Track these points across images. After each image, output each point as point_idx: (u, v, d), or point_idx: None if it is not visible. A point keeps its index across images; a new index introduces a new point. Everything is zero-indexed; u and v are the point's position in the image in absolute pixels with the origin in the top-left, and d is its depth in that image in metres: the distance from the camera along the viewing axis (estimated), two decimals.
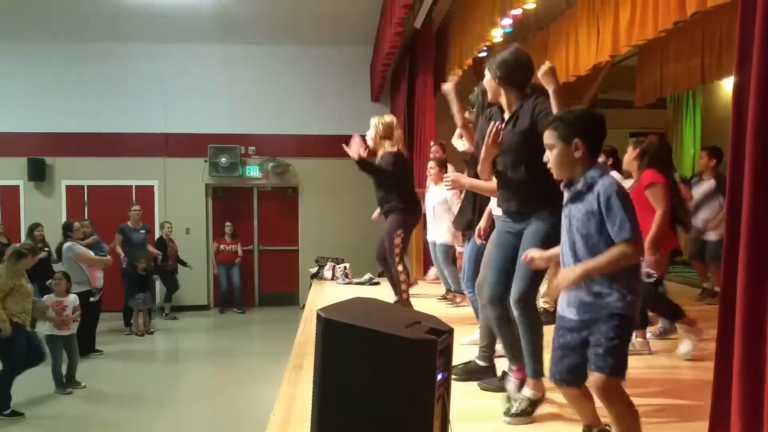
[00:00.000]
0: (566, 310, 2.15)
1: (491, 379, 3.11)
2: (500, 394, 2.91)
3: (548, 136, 2.17)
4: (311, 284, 7.57)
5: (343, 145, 4.69)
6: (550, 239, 2.59)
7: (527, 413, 2.63)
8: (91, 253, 7.32)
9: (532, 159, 2.56)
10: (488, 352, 3.25)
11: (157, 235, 9.73)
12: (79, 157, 10.16)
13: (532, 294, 2.68)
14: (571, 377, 2.14)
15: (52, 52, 9.99)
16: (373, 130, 4.82)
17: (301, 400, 2.85)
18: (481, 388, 3.08)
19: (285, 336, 5.89)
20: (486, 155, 2.74)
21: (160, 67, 10.21)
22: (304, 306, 7.20)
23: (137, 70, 10.17)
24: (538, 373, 2.67)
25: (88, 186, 10.34)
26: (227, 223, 10.30)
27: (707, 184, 5.65)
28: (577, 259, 2.09)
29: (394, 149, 4.74)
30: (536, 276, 2.65)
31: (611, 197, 2.00)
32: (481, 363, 3.23)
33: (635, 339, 3.76)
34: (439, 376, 1.99)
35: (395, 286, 4.86)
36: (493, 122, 2.76)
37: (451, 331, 2.12)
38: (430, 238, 5.86)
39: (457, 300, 5.59)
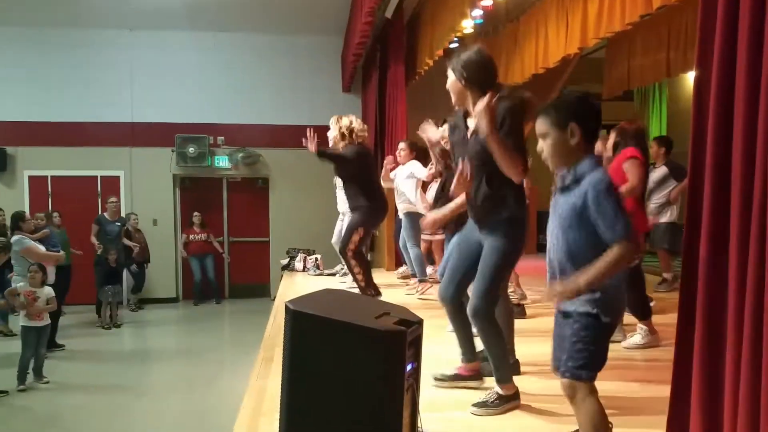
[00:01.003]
0: None
1: (444, 371, 3.04)
2: (470, 383, 2.93)
3: (540, 124, 2.01)
4: (282, 276, 7.53)
5: (303, 140, 4.73)
6: (508, 256, 2.62)
7: (494, 406, 2.63)
8: (41, 248, 6.85)
9: (494, 168, 2.54)
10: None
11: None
12: (42, 147, 9.88)
13: (488, 306, 2.63)
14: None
15: (13, 38, 9.66)
16: (334, 129, 4.92)
17: (271, 392, 2.84)
18: (434, 378, 3.02)
19: (256, 328, 5.85)
20: (456, 193, 2.76)
21: (126, 54, 9.97)
22: (275, 298, 7.16)
23: (102, 57, 9.91)
24: (504, 380, 2.68)
25: (51, 176, 10.07)
26: (195, 213, 10.15)
27: (659, 171, 5.82)
28: (557, 250, 2.00)
29: (356, 142, 4.82)
30: (492, 289, 2.63)
31: (600, 195, 1.87)
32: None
33: (639, 326, 3.73)
34: (409, 367, 2.00)
35: (354, 280, 4.92)
36: (460, 162, 2.68)
37: (420, 322, 2.13)
38: (400, 214, 5.92)
39: (418, 288, 5.53)
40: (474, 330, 2.83)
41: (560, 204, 2.00)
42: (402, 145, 5.88)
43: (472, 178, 2.68)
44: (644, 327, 3.73)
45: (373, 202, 4.83)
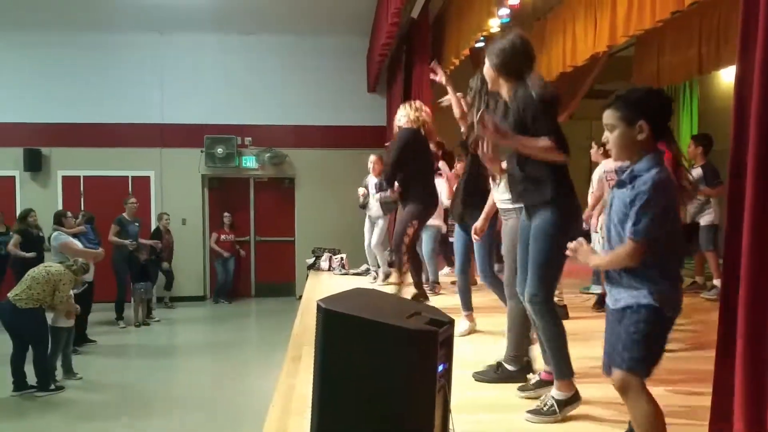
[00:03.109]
0: (608, 298, 2.08)
1: (486, 370, 3.07)
2: (501, 385, 2.90)
3: (609, 116, 2.00)
4: (308, 275, 7.57)
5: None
6: (552, 238, 2.49)
7: (549, 413, 2.51)
8: (78, 244, 7.15)
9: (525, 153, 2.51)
10: (517, 355, 3.04)
11: (154, 226, 9.71)
12: (75, 148, 10.11)
13: (544, 294, 2.54)
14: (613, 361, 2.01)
15: (48, 42, 9.89)
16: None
17: (299, 391, 2.85)
18: (475, 380, 3.04)
19: (282, 327, 5.89)
20: (489, 142, 2.64)
21: (156, 57, 10.15)
22: (300, 297, 7.20)
23: (133, 60, 10.11)
24: (562, 375, 2.56)
25: (84, 176, 10.29)
26: (226, 214, 10.30)
27: (695, 172, 5.62)
28: (612, 243, 2.03)
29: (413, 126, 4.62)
30: (548, 274, 2.54)
31: (639, 195, 1.90)
32: (510, 367, 3.03)
33: None
34: (441, 368, 1.99)
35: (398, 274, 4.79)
36: (482, 111, 2.69)
37: (451, 322, 2.12)
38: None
39: (436, 290, 5.62)
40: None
41: (615, 198, 2.02)
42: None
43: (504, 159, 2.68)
44: None
45: (424, 193, 4.71)
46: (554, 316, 2.59)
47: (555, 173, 2.52)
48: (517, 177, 2.64)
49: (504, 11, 5.72)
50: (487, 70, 2.69)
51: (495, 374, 3.04)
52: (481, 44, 7.22)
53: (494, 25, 6.00)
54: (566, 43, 6.20)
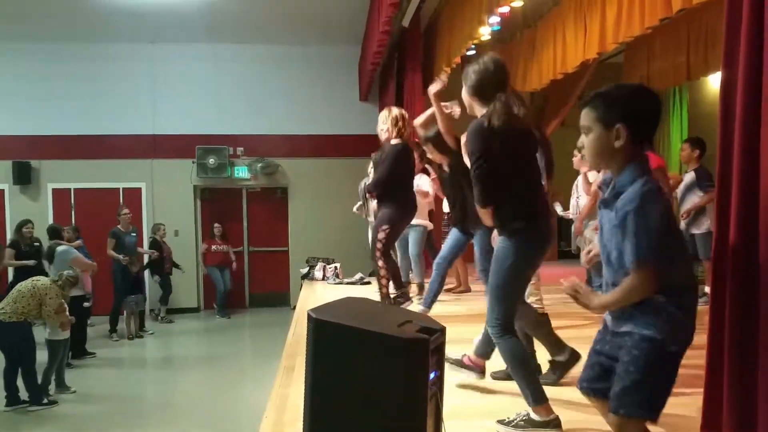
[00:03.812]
0: (607, 313, 1.83)
1: (546, 374, 3.06)
2: (491, 392, 2.91)
3: (584, 116, 1.76)
4: (302, 285, 7.55)
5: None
6: (512, 265, 2.44)
7: (517, 427, 2.46)
8: (86, 258, 7.31)
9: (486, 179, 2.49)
10: (557, 349, 3.09)
11: (148, 238, 9.65)
12: (65, 160, 10.07)
13: (502, 317, 2.48)
14: (599, 387, 1.79)
15: (37, 54, 9.88)
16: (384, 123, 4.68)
17: (293, 402, 2.83)
18: (492, 378, 3.11)
19: (276, 337, 5.86)
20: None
21: (147, 68, 10.14)
22: (295, 307, 7.18)
23: (124, 70, 10.10)
24: (533, 401, 2.43)
25: (74, 189, 10.24)
26: (216, 225, 10.19)
27: (688, 177, 5.60)
28: (610, 269, 1.76)
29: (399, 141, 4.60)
30: (504, 298, 2.48)
31: (627, 216, 1.64)
32: (559, 358, 3.07)
33: None
34: (432, 375, 1.98)
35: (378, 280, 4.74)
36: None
37: (443, 330, 2.11)
38: None
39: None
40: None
41: (604, 220, 1.78)
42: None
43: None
44: None
45: (399, 200, 4.67)
46: (514, 342, 2.50)
47: (521, 195, 2.48)
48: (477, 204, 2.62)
49: (494, 19, 5.75)
50: (463, 93, 2.66)
51: (554, 375, 3.04)
52: (472, 52, 7.27)
53: (485, 33, 6.05)
54: (557, 50, 6.25)
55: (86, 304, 7.13)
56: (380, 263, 4.56)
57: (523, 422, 2.44)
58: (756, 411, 1.77)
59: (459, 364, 3.05)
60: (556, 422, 2.42)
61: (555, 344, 3.10)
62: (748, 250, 1.81)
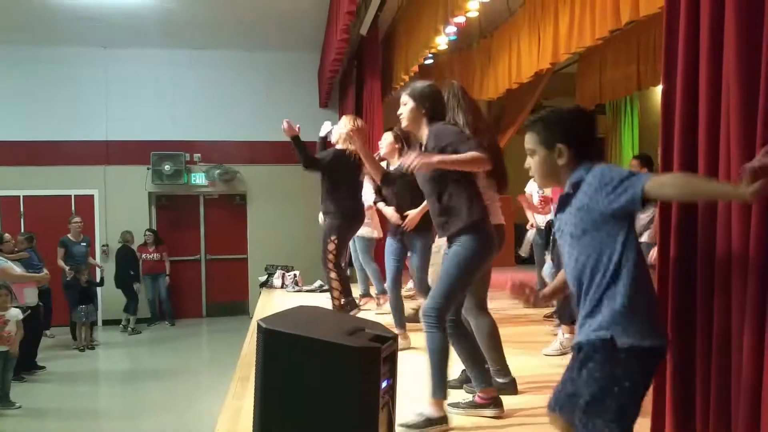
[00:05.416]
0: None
1: (454, 379, 3.06)
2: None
3: (528, 140, 1.86)
4: (260, 293, 7.46)
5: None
6: (467, 263, 2.61)
7: (416, 427, 2.55)
8: (17, 269, 6.86)
9: (440, 184, 2.68)
10: (500, 368, 3.05)
11: (118, 243, 9.51)
12: (13, 167, 9.69)
13: (441, 308, 2.59)
14: (565, 406, 1.74)
15: None
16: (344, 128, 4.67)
17: (246, 413, 2.77)
18: (466, 392, 3.04)
19: (234, 347, 5.75)
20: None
21: (100, 72, 9.88)
22: (253, 316, 7.08)
23: (76, 75, 9.81)
24: (435, 393, 2.59)
25: (23, 196, 9.88)
26: (147, 231, 9.80)
27: None
28: (579, 270, 1.70)
29: (342, 146, 4.59)
30: (452, 291, 2.61)
31: (603, 173, 1.66)
32: (500, 380, 3.01)
33: (563, 336, 3.68)
34: (384, 384, 1.98)
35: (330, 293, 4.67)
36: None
37: (395, 338, 2.12)
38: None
39: (381, 302, 5.46)
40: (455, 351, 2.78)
41: (564, 220, 1.76)
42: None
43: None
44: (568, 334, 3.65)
45: (344, 209, 4.62)
46: (442, 332, 2.62)
47: (471, 201, 2.69)
48: (435, 210, 2.75)
49: (451, 29, 5.84)
50: (413, 110, 2.77)
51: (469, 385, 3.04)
52: (430, 61, 7.33)
53: (442, 42, 6.13)
54: (512, 60, 6.37)
55: (20, 317, 6.74)
56: (332, 275, 4.49)
57: (420, 424, 2.57)
58: (695, 409, 1.83)
59: (473, 406, 2.80)
60: (445, 420, 2.61)
61: (500, 359, 3.05)
62: (689, 259, 1.87)
